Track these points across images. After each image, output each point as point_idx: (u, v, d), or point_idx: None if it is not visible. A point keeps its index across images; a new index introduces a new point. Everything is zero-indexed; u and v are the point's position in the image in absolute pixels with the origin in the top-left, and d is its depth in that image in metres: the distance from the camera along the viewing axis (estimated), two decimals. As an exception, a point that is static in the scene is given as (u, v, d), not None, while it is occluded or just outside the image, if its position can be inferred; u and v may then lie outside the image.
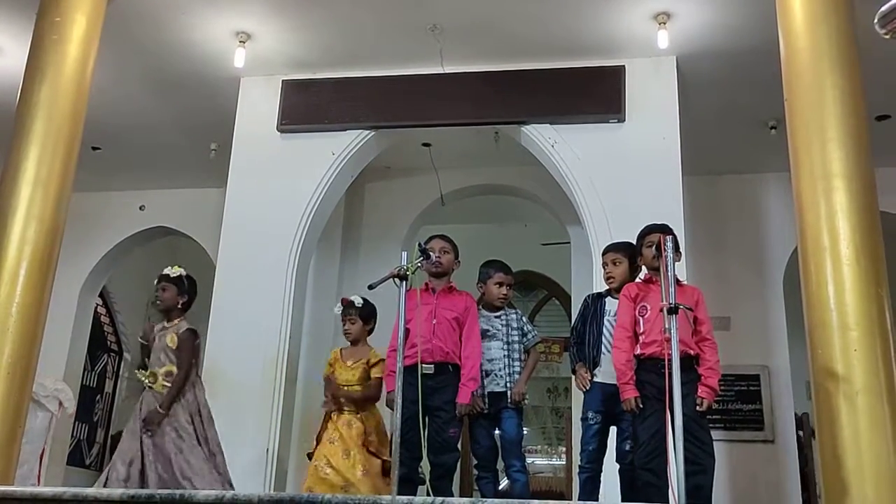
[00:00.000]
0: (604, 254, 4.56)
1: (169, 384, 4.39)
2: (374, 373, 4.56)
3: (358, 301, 4.69)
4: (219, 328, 5.59)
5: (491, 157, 6.90)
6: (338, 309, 4.77)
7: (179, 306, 4.60)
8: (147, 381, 4.45)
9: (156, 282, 4.64)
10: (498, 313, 4.65)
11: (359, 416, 4.51)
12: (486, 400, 4.47)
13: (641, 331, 4.03)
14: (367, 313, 4.69)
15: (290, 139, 6.02)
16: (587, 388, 4.33)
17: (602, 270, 4.55)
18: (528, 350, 4.63)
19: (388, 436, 4.52)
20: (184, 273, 4.65)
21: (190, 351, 4.50)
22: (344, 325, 4.72)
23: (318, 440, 4.58)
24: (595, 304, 4.47)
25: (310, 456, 4.61)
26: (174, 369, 4.42)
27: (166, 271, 4.62)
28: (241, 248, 5.80)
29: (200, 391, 4.51)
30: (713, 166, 6.92)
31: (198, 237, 7.72)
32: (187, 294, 4.63)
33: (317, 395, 5.03)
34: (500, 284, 4.65)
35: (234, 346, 5.47)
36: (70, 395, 6.85)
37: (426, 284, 4.55)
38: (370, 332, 4.73)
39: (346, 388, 4.56)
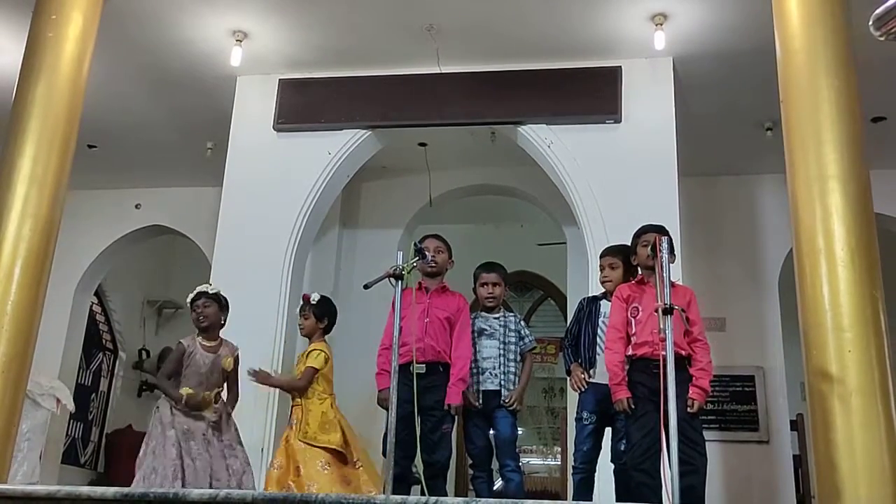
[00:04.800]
0: (601, 257, 4.57)
1: (217, 406, 4.43)
2: (308, 362, 4.56)
3: (314, 298, 4.72)
4: (214, 327, 5.59)
5: (487, 157, 6.91)
6: (300, 305, 4.82)
7: (222, 322, 4.58)
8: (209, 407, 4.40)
9: (192, 299, 4.54)
10: (497, 314, 4.66)
11: (301, 407, 4.50)
12: (480, 397, 4.48)
13: (633, 332, 4.03)
14: (322, 311, 4.69)
15: (286, 138, 6.02)
16: (584, 388, 4.34)
17: (599, 274, 4.56)
18: (523, 355, 4.64)
19: (334, 423, 4.49)
20: (220, 291, 4.62)
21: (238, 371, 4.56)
22: (299, 320, 4.75)
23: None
24: (590, 306, 4.49)
25: None
26: (212, 394, 4.44)
27: (204, 288, 4.57)
28: (238, 248, 5.79)
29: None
30: (709, 167, 6.94)
31: (194, 236, 7.72)
32: (226, 311, 4.61)
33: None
34: (484, 285, 4.65)
35: (230, 345, 5.47)
36: (67, 393, 6.85)
37: (419, 284, 4.56)
38: (326, 331, 4.72)
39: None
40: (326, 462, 4.38)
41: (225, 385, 4.57)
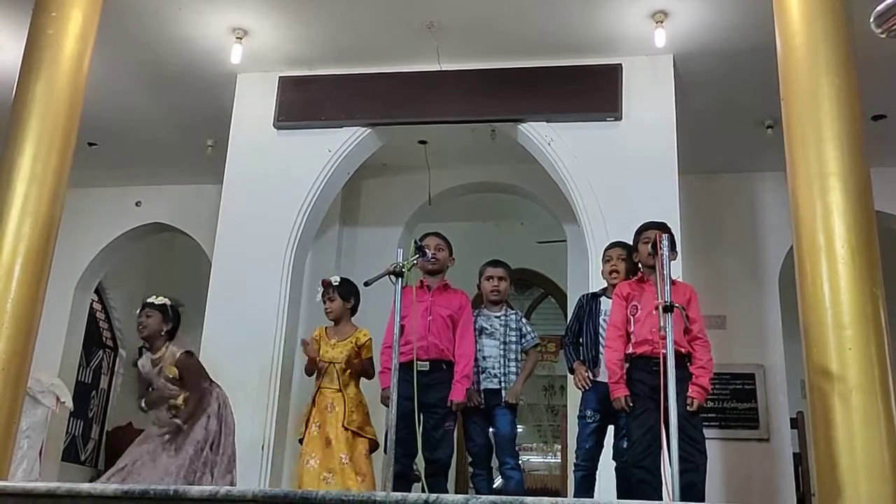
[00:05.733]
0: (610, 248, 4.53)
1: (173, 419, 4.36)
2: (365, 353, 4.55)
3: (335, 280, 4.69)
4: (214, 325, 5.59)
5: (487, 155, 6.91)
6: (319, 291, 4.76)
7: (163, 334, 4.48)
8: (170, 414, 4.35)
9: (138, 310, 4.53)
10: (498, 313, 4.66)
11: (341, 394, 4.47)
12: (482, 396, 4.48)
13: (632, 330, 4.03)
14: (346, 291, 4.66)
15: (286, 136, 6.02)
16: (588, 387, 4.33)
17: (603, 266, 4.53)
18: (526, 351, 4.64)
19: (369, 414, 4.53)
20: (168, 302, 4.56)
21: (196, 372, 4.44)
22: (325, 304, 4.70)
23: (307, 425, 4.57)
24: (590, 303, 4.48)
25: (301, 441, 4.62)
26: (179, 398, 4.39)
27: (150, 299, 4.53)
28: (238, 245, 5.79)
29: (220, 419, 4.41)
30: (710, 165, 6.93)
31: (194, 233, 7.72)
32: (171, 322, 4.52)
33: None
34: (490, 278, 4.66)
35: (230, 342, 5.47)
36: (66, 391, 6.85)
37: (421, 282, 4.56)
38: (353, 311, 4.69)
39: (334, 364, 4.54)
40: (366, 451, 4.42)
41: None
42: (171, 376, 4.39)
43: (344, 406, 4.44)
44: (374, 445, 4.50)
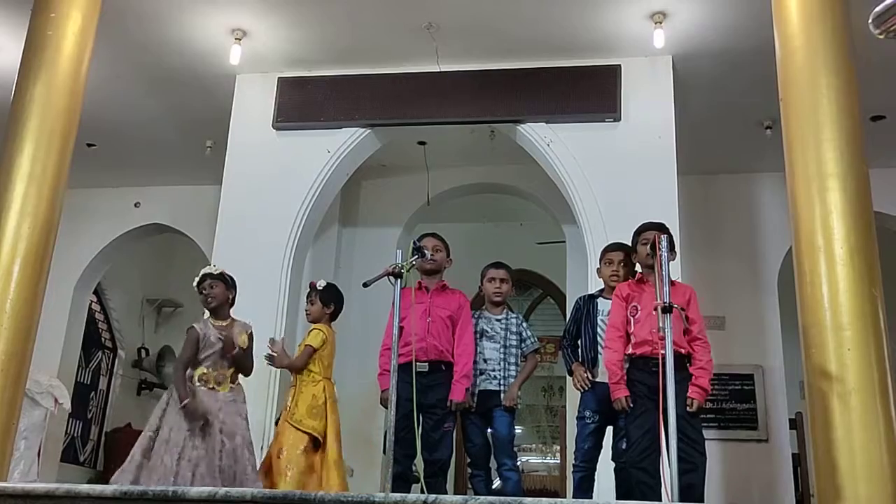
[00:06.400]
0: (611, 251, 4.51)
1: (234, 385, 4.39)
2: (307, 340, 4.51)
3: (320, 284, 4.69)
4: (213, 325, 5.58)
5: (487, 156, 6.92)
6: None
7: (229, 301, 4.55)
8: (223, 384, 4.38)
9: (198, 282, 4.53)
10: (499, 316, 4.66)
11: (295, 388, 4.45)
12: (476, 398, 4.48)
13: (632, 331, 4.03)
14: (327, 297, 4.64)
15: (285, 136, 6.02)
16: (588, 387, 4.33)
17: (604, 267, 4.51)
18: (525, 355, 4.64)
19: (322, 409, 4.41)
20: (224, 270, 4.62)
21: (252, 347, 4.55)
22: (306, 306, 4.70)
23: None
24: (587, 305, 4.48)
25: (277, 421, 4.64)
26: (228, 372, 4.40)
27: (208, 270, 4.56)
28: (237, 246, 5.79)
29: None
30: (708, 166, 6.94)
31: (193, 234, 7.72)
32: (234, 290, 4.59)
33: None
34: (492, 280, 4.66)
35: (229, 343, 5.46)
36: (65, 392, 6.85)
37: (419, 283, 4.56)
38: (332, 317, 4.65)
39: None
40: (304, 447, 4.31)
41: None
42: (241, 345, 4.42)
43: (293, 399, 4.40)
44: (314, 441, 4.34)
